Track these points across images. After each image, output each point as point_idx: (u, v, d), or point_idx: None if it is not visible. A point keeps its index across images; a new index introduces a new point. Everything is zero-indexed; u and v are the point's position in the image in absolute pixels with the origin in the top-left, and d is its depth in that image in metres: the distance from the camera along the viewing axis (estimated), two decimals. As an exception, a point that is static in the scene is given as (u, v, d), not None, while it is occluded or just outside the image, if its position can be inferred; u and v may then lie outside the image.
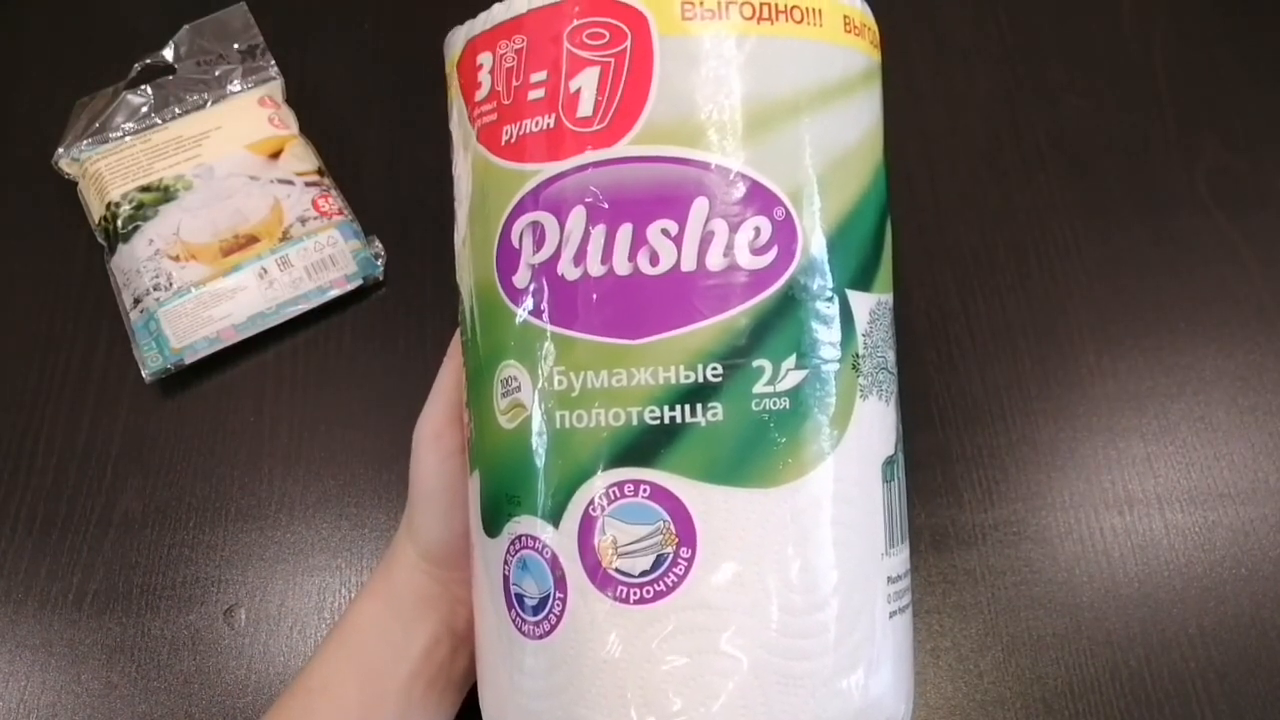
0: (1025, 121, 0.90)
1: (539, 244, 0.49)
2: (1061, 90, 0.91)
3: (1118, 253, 0.84)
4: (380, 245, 0.86)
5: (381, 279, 0.86)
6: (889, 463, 0.53)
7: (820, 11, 0.51)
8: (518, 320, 0.50)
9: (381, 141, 0.92)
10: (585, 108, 0.49)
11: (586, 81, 0.49)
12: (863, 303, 0.51)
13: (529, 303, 0.50)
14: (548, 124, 0.49)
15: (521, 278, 0.50)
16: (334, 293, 0.84)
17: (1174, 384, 0.79)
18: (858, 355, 0.51)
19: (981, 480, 0.77)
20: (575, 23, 0.49)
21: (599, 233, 0.48)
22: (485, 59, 0.52)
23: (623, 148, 0.48)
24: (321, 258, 0.84)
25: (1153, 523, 0.75)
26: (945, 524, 0.75)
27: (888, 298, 0.55)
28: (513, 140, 0.51)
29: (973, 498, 0.76)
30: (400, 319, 0.85)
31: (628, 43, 0.49)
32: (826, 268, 0.50)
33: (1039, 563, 0.74)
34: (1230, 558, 0.74)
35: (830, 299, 0.50)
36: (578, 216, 0.48)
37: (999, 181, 0.87)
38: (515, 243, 0.50)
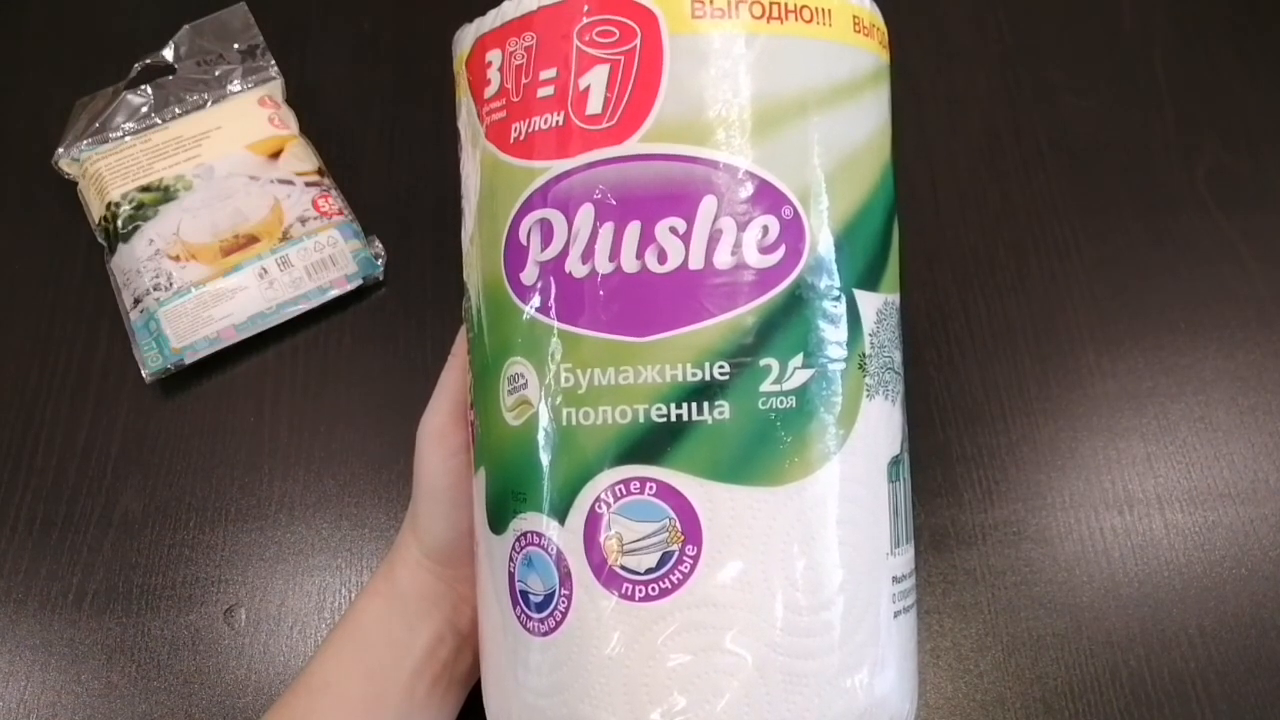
0: (1025, 121, 0.90)
1: (547, 241, 0.49)
2: (1061, 90, 0.91)
3: (1118, 253, 0.84)
4: (380, 245, 0.86)
5: (381, 279, 0.86)
6: (895, 463, 0.53)
7: (830, 11, 0.51)
8: (525, 317, 0.50)
9: (381, 141, 0.92)
10: (594, 105, 0.49)
11: (596, 79, 0.49)
12: (870, 303, 0.52)
13: (536, 300, 0.50)
14: (557, 121, 0.49)
15: (529, 275, 0.50)
16: (334, 293, 0.84)
17: (1174, 384, 0.79)
18: (864, 355, 0.51)
19: (981, 480, 0.77)
20: (585, 20, 0.49)
21: (607, 230, 0.48)
22: (495, 56, 0.52)
23: (632, 145, 0.48)
24: (321, 258, 0.84)
25: (1153, 523, 0.75)
26: (945, 524, 0.75)
27: (894, 298, 0.55)
28: (521, 137, 0.51)
29: (973, 498, 0.76)
30: (400, 319, 0.85)
31: (637, 41, 0.49)
32: (834, 267, 0.50)
33: (1039, 563, 0.74)
34: (1230, 558, 0.74)
35: (838, 298, 0.50)
36: (586, 214, 0.48)
37: (999, 181, 0.87)
38: (523, 240, 0.50)
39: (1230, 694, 0.70)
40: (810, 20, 0.50)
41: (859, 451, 0.50)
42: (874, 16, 0.55)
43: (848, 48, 0.52)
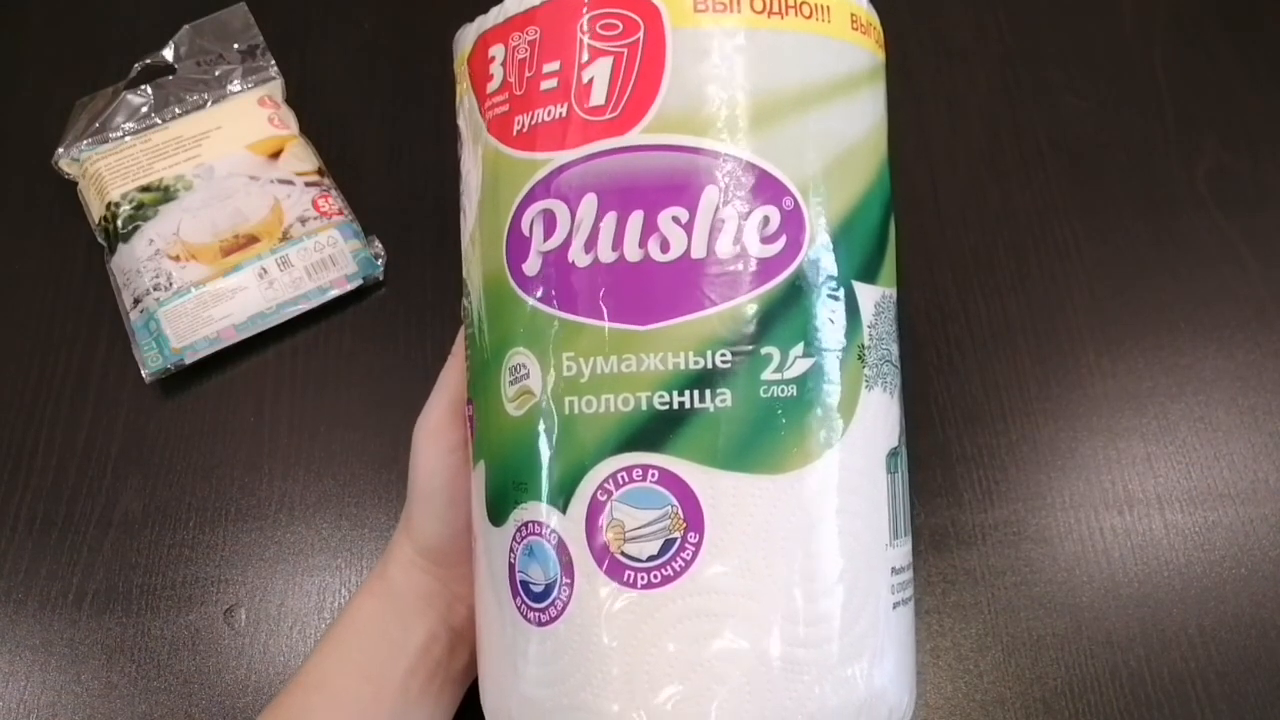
0: (1025, 121, 0.90)
1: (549, 232, 0.50)
2: (1061, 90, 0.91)
3: (1118, 253, 0.84)
4: (380, 245, 0.86)
5: (381, 279, 0.86)
6: (893, 454, 0.53)
7: (829, 8, 0.52)
8: (527, 308, 0.50)
9: (381, 141, 0.92)
10: (598, 97, 0.49)
11: (599, 71, 0.49)
12: (868, 295, 0.52)
13: (539, 290, 0.50)
14: (560, 113, 0.50)
15: (532, 266, 0.50)
16: (334, 293, 0.84)
17: (1174, 384, 0.79)
18: (863, 346, 0.51)
19: (981, 480, 0.77)
20: (589, 14, 0.50)
21: (610, 220, 0.49)
22: (497, 51, 0.53)
23: (634, 136, 0.49)
24: (321, 258, 0.84)
25: (1153, 523, 0.75)
26: (945, 524, 0.75)
27: (892, 292, 0.55)
28: (524, 130, 0.51)
29: (973, 498, 0.76)
30: (400, 319, 0.85)
31: (640, 34, 0.49)
32: (833, 259, 0.50)
33: (1039, 563, 0.74)
34: (1230, 558, 0.74)
35: (837, 290, 0.50)
36: (589, 204, 0.49)
37: (999, 181, 0.87)
38: (526, 231, 0.51)
39: (1230, 694, 0.70)
40: (810, 16, 0.51)
41: (858, 441, 0.50)
42: (871, 16, 0.55)
43: (846, 44, 0.53)
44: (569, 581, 0.49)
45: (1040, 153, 0.88)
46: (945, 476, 0.77)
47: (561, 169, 0.50)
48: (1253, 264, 0.83)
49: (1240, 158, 0.87)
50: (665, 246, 0.48)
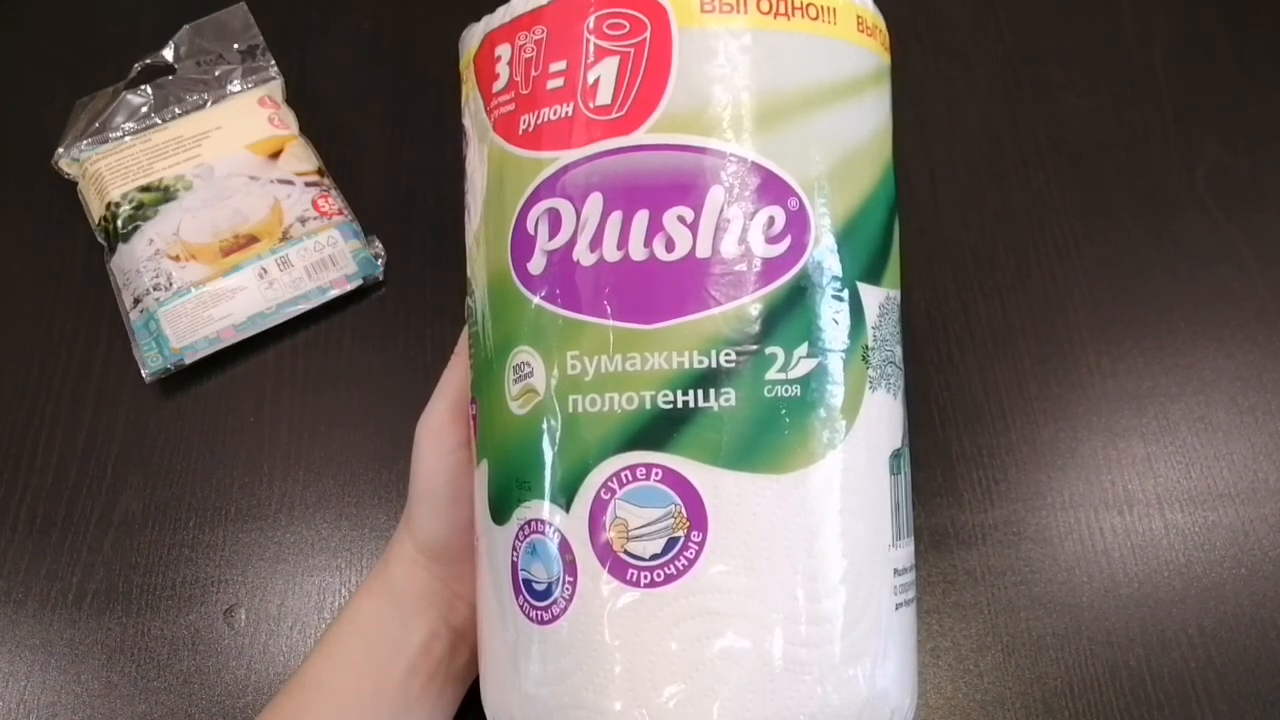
0: (1025, 121, 0.90)
1: (554, 230, 0.50)
2: (1061, 90, 0.91)
3: (1118, 253, 0.84)
4: (380, 245, 0.86)
5: (381, 279, 0.86)
6: (896, 455, 0.53)
7: (835, 10, 0.52)
8: (532, 306, 0.50)
9: (381, 141, 0.92)
10: (604, 96, 0.49)
11: (606, 71, 0.49)
12: (873, 296, 0.52)
13: (544, 289, 0.50)
14: (566, 113, 0.50)
15: (536, 264, 0.50)
16: (334, 293, 0.84)
17: (1174, 384, 0.79)
18: (867, 347, 0.51)
19: (981, 480, 0.77)
20: (596, 14, 0.50)
21: (615, 219, 0.49)
22: (504, 51, 0.53)
23: (640, 136, 0.49)
24: (321, 258, 0.84)
25: (1153, 523, 0.75)
26: (945, 524, 0.75)
27: (896, 294, 0.55)
28: (530, 129, 0.51)
29: (973, 498, 0.76)
30: (400, 319, 0.85)
31: (647, 33, 0.49)
32: (838, 260, 0.50)
33: (1039, 563, 0.74)
34: (1230, 558, 0.74)
35: (841, 290, 0.50)
36: (594, 203, 0.49)
37: (999, 181, 0.88)
38: (531, 229, 0.51)
39: (1230, 694, 0.70)
40: (816, 18, 0.51)
41: (862, 442, 0.50)
42: (876, 18, 0.55)
43: (851, 46, 0.53)
44: (571, 580, 0.49)
45: (1040, 153, 0.89)
46: (945, 476, 0.77)
47: (567, 168, 0.50)
48: (1253, 264, 0.83)
49: (1240, 158, 0.88)
50: (670, 246, 0.48)
